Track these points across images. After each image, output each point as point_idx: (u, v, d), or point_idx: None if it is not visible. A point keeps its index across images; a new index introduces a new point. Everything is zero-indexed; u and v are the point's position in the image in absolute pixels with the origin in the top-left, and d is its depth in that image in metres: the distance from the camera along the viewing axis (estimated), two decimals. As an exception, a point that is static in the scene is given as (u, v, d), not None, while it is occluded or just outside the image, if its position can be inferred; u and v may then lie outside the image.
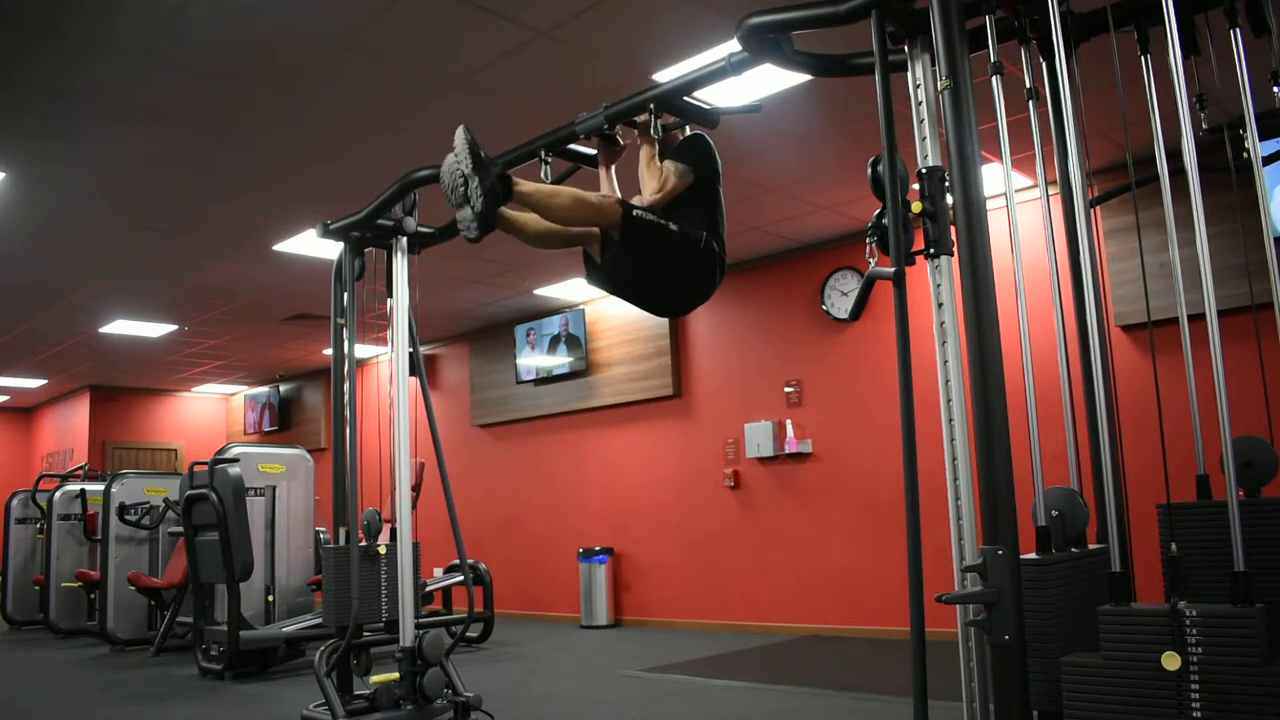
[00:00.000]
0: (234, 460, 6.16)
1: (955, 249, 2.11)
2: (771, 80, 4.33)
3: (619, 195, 3.00)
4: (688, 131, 3.27)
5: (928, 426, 2.57)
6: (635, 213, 2.82)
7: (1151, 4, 2.24)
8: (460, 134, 2.80)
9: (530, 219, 2.98)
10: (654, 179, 3.00)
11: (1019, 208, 2.50)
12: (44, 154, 4.96)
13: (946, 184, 2.12)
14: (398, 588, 3.98)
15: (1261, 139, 2.22)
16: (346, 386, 4.25)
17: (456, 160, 2.79)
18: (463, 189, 2.78)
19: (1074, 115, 2.31)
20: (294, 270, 7.25)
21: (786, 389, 7.21)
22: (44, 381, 11.90)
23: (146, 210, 5.87)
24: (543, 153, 3.36)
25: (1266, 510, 2.25)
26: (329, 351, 5.18)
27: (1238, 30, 2.29)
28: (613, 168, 3.31)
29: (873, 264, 2.20)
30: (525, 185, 2.82)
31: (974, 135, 2.07)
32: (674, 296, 3.12)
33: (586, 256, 3.04)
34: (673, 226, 2.88)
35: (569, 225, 2.92)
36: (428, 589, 6.70)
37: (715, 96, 4.18)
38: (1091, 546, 2.47)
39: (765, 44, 2.57)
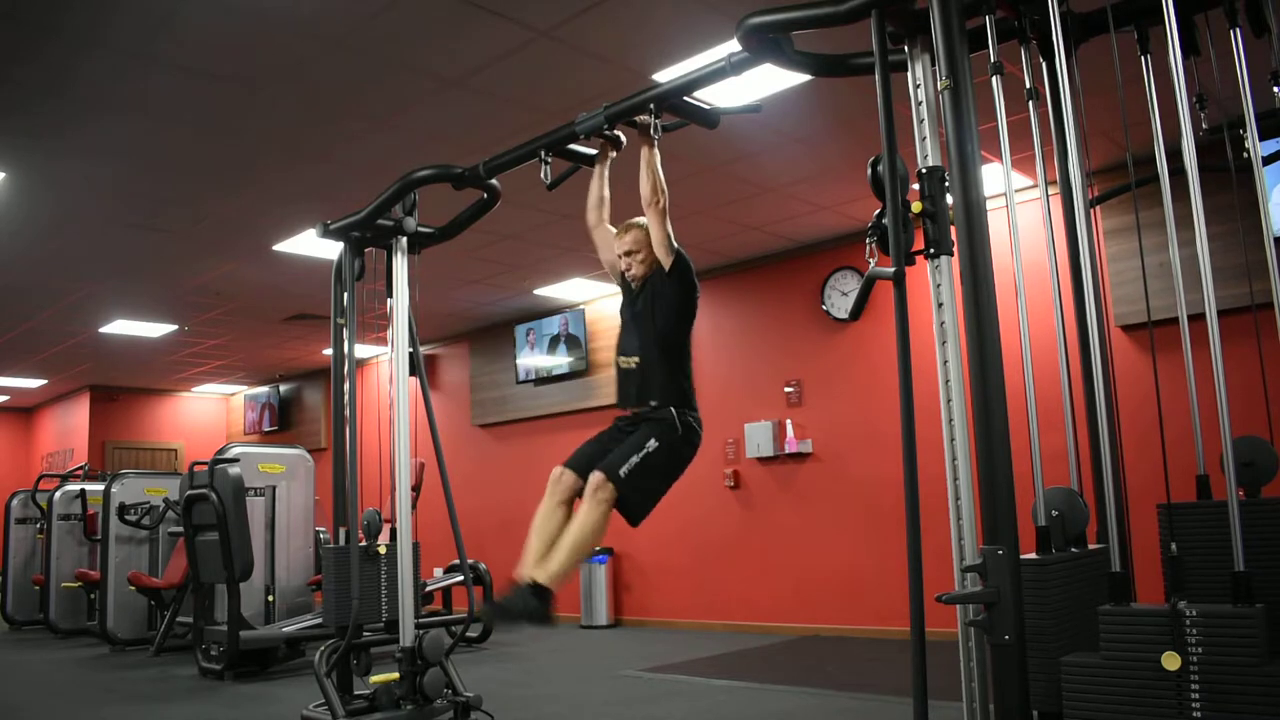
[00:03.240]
0: (234, 460, 6.16)
1: (955, 249, 2.11)
2: (771, 80, 4.33)
3: (611, 476, 3.02)
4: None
5: (928, 426, 2.57)
6: (626, 489, 2.97)
7: (1151, 4, 2.24)
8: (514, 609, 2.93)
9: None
10: (656, 197, 3.08)
11: (1019, 208, 2.50)
12: (44, 153, 4.96)
13: (946, 184, 2.12)
14: (398, 588, 3.98)
15: (1261, 139, 2.23)
16: (346, 386, 4.25)
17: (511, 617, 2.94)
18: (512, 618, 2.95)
19: (1074, 115, 2.31)
20: (294, 270, 7.26)
21: (786, 389, 7.21)
22: (44, 381, 11.90)
23: (146, 210, 5.87)
24: (543, 153, 3.36)
25: (1266, 510, 2.25)
26: (329, 351, 5.18)
27: (1238, 30, 2.29)
28: (607, 165, 3.37)
29: (873, 264, 2.20)
30: (557, 578, 2.94)
31: (974, 135, 2.08)
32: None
33: None
34: (652, 447, 3.01)
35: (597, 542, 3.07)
36: (428, 589, 6.70)
37: (715, 96, 4.18)
38: (1091, 546, 2.47)
39: (765, 44, 2.57)
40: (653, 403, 3.12)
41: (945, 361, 2.15)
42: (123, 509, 7.53)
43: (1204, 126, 2.56)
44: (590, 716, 4.38)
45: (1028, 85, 2.47)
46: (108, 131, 4.68)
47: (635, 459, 3.00)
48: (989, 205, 2.16)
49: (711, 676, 5.29)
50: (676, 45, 4.07)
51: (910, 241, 2.18)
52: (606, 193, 3.38)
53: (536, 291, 8.29)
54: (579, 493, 3.10)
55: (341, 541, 4.16)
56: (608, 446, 3.13)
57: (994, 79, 2.30)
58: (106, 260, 6.90)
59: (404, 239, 4.11)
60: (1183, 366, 2.25)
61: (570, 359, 8.61)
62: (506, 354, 9.26)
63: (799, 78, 4.24)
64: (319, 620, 5.89)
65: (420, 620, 4.05)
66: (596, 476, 2.99)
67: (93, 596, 8.12)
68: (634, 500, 3.03)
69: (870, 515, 6.62)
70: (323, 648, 4.04)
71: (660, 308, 3.17)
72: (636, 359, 3.17)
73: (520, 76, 4.29)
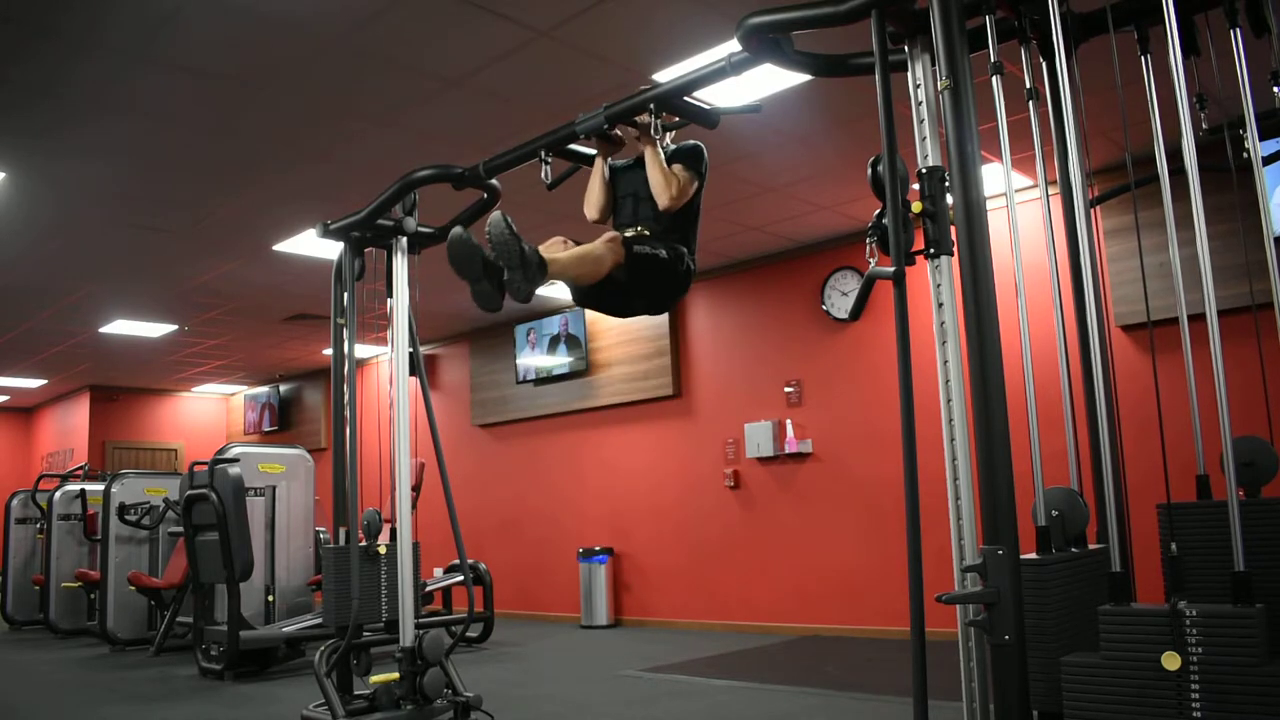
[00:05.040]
0: (234, 460, 6.16)
1: (955, 249, 2.11)
2: (771, 80, 4.33)
3: (625, 243, 3.07)
4: (671, 141, 3.36)
5: (928, 426, 2.57)
6: (635, 250, 3.04)
7: (1151, 4, 2.24)
8: (500, 223, 2.82)
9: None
10: (671, 186, 3.11)
11: (1019, 208, 2.50)
12: (44, 154, 4.96)
13: (946, 184, 2.12)
14: (398, 588, 3.98)
15: (1261, 139, 2.23)
16: (346, 386, 4.25)
17: (494, 245, 2.84)
18: (480, 264, 2.89)
19: (1074, 115, 2.31)
20: (294, 270, 7.26)
21: (786, 389, 7.21)
22: (44, 381, 11.90)
23: (146, 210, 5.87)
24: (543, 153, 3.36)
25: (1266, 510, 2.25)
26: (329, 351, 5.18)
27: (1238, 30, 2.29)
28: (609, 160, 3.38)
29: (873, 264, 2.20)
30: (555, 264, 2.93)
31: (974, 135, 2.07)
32: (649, 307, 3.40)
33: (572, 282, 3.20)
34: (662, 254, 3.10)
35: (587, 281, 3.10)
36: (428, 589, 6.70)
37: (715, 96, 4.18)
38: (1091, 546, 2.47)
39: (765, 44, 2.57)
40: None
41: (945, 361, 2.15)
42: (123, 509, 7.54)
43: (1204, 126, 2.56)
44: (590, 716, 4.39)
45: (1028, 85, 2.47)
46: (107, 132, 4.68)
47: (648, 249, 3.08)
48: (989, 205, 2.16)
49: (711, 676, 5.29)
50: (676, 45, 4.07)
51: (910, 241, 2.18)
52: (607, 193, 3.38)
53: (536, 291, 8.26)
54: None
55: (341, 541, 4.17)
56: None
57: (994, 79, 2.30)
58: (106, 260, 6.90)
59: (404, 239, 4.11)
60: (1183, 366, 2.25)
61: (570, 359, 8.61)
62: (506, 354, 9.26)
63: (799, 78, 4.24)
64: (319, 620, 5.90)
65: (420, 620, 4.05)
66: (614, 234, 3.07)
67: (93, 596, 8.12)
68: (625, 281, 3.08)
69: (870, 515, 6.62)
70: (323, 648, 4.04)
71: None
72: (648, 229, 3.22)
73: (520, 76, 4.29)
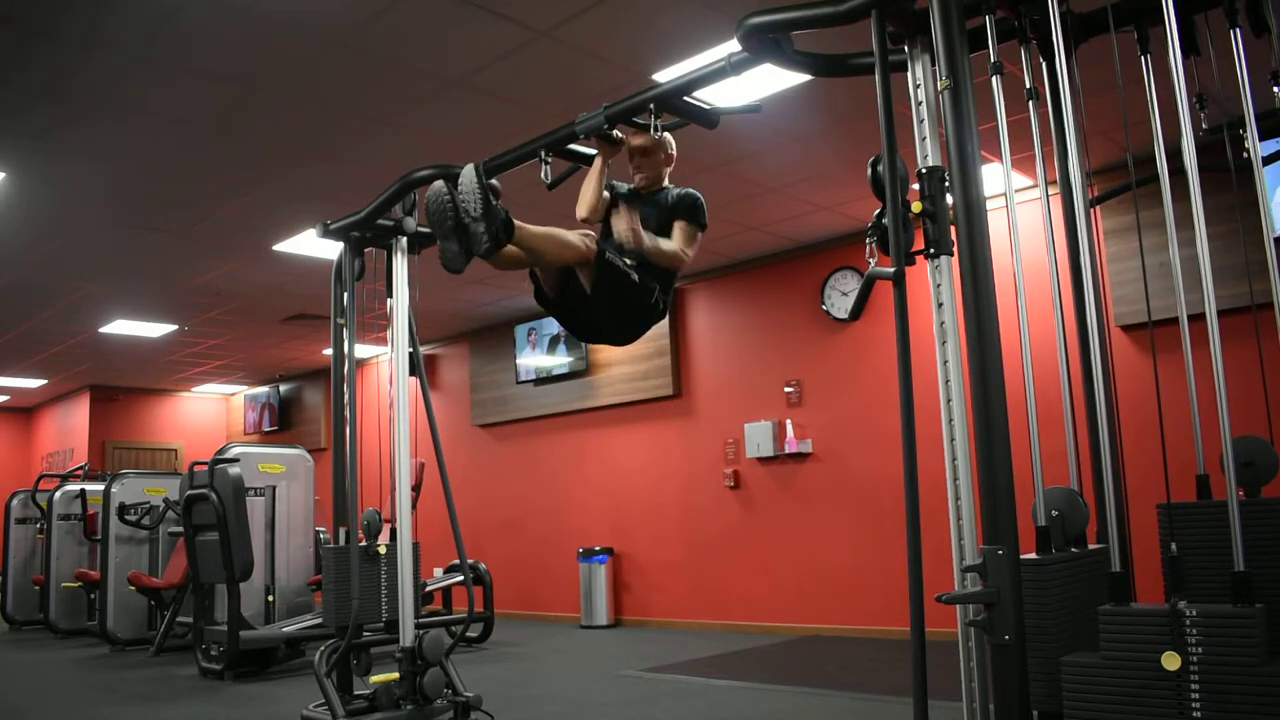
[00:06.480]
0: (234, 460, 6.16)
1: (955, 249, 2.11)
2: (771, 80, 4.34)
3: (599, 247, 3.02)
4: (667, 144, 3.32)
5: (928, 426, 2.57)
6: (607, 256, 2.96)
7: (1151, 4, 2.24)
8: (470, 174, 2.80)
9: (507, 251, 3.00)
10: (665, 240, 3.09)
11: (1019, 208, 2.50)
12: (44, 154, 4.96)
13: (946, 184, 2.12)
14: (398, 588, 3.98)
15: (1261, 139, 2.22)
16: (346, 386, 4.25)
17: (460, 197, 2.80)
18: (451, 222, 2.82)
19: (1074, 115, 2.31)
20: (294, 270, 7.26)
21: (786, 389, 7.21)
22: (44, 381, 11.90)
23: (146, 210, 5.87)
24: (543, 153, 3.36)
25: (1266, 510, 2.24)
26: (329, 351, 5.18)
27: (1238, 30, 2.29)
28: (608, 163, 3.34)
29: (873, 264, 2.20)
30: (524, 231, 2.86)
31: (974, 135, 2.07)
32: (609, 330, 3.31)
33: (534, 277, 3.14)
34: (634, 277, 3.02)
35: (550, 264, 3.02)
36: (428, 589, 6.70)
37: (715, 96, 4.18)
38: (1091, 546, 2.47)
39: (765, 44, 2.57)
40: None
41: (945, 361, 2.15)
42: (123, 509, 7.54)
43: (1204, 126, 2.55)
44: (590, 716, 4.39)
45: (1028, 85, 2.47)
46: (108, 132, 4.68)
47: (621, 263, 3.00)
48: (989, 205, 2.16)
49: (711, 676, 5.29)
50: (676, 45, 4.07)
51: (910, 241, 2.18)
52: (604, 195, 3.35)
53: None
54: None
55: (341, 541, 4.17)
56: None
57: (994, 79, 2.30)
58: (106, 260, 6.90)
59: (404, 239, 4.12)
60: (1183, 366, 2.24)
61: (570, 359, 8.61)
62: (506, 354, 9.26)
63: (799, 78, 4.24)
64: (319, 620, 5.90)
65: (420, 620, 4.05)
66: (593, 236, 3.00)
67: (93, 596, 8.12)
68: (589, 292, 3.02)
69: (870, 515, 6.62)
70: (323, 648, 4.04)
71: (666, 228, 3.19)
72: (631, 258, 3.13)
73: (520, 76, 4.29)
